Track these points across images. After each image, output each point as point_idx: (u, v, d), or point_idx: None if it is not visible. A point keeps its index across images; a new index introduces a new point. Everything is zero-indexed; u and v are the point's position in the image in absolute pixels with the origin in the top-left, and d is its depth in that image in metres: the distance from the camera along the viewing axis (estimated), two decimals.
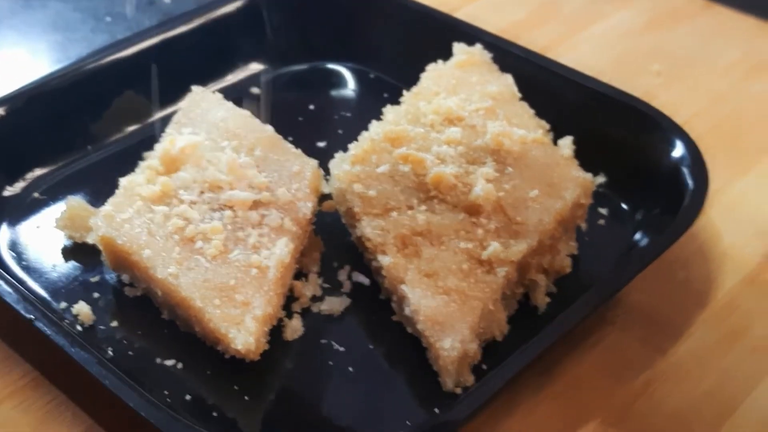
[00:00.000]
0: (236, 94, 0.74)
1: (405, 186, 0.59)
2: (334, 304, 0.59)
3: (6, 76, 0.83)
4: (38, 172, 0.67)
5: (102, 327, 0.57)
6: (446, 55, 0.70)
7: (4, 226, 0.63)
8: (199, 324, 0.54)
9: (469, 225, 0.57)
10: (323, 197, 0.63)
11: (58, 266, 0.61)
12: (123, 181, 0.60)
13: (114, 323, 0.57)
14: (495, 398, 0.52)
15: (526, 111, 0.65)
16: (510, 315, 0.58)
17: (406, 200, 0.58)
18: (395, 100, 0.67)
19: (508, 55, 0.72)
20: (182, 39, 0.76)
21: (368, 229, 0.57)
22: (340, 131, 0.73)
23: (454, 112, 0.63)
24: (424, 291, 0.54)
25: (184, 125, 0.64)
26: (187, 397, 0.53)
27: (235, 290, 0.54)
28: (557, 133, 0.64)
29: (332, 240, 0.63)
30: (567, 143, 0.63)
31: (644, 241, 0.61)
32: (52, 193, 0.66)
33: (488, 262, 0.55)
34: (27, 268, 0.61)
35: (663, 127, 0.66)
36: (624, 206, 0.66)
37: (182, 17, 0.77)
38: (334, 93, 0.78)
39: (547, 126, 0.65)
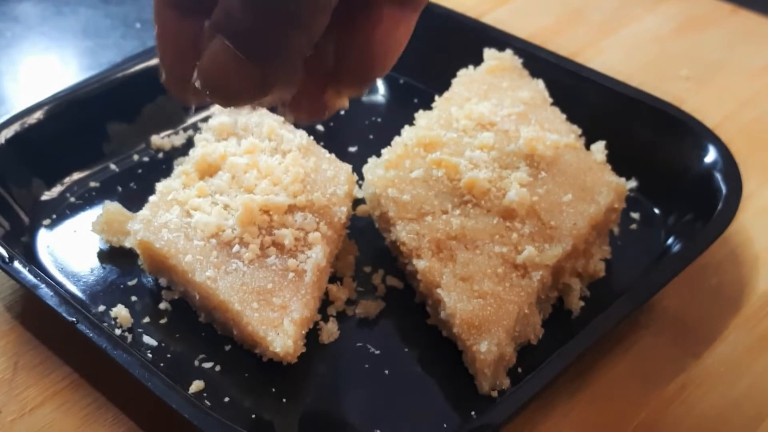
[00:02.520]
0: None
1: (439, 191, 0.59)
2: (368, 308, 0.59)
3: (37, 81, 0.84)
4: (75, 176, 0.68)
5: (140, 330, 0.58)
6: (474, 60, 0.71)
7: (42, 230, 0.64)
8: (237, 327, 0.55)
9: (503, 229, 0.57)
10: (356, 202, 0.64)
11: (95, 270, 0.62)
12: (159, 186, 0.61)
13: (152, 327, 0.58)
14: (532, 401, 0.52)
15: (557, 116, 0.65)
16: (544, 319, 0.58)
17: (441, 205, 0.59)
18: (425, 106, 0.67)
19: (538, 61, 0.72)
20: None
21: (403, 233, 0.58)
22: (371, 136, 0.73)
23: (486, 117, 0.64)
24: (459, 295, 0.54)
25: (219, 131, 0.64)
26: (226, 399, 0.54)
27: (273, 294, 0.54)
28: (589, 138, 0.65)
29: (366, 244, 0.63)
30: (599, 148, 0.63)
31: (677, 246, 0.62)
32: (88, 197, 0.67)
33: (523, 266, 0.56)
34: (64, 272, 0.61)
35: (695, 132, 0.66)
36: (656, 211, 0.66)
37: None
38: (364, 99, 0.78)
39: (579, 131, 0.65)
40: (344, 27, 0.39)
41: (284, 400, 0.54)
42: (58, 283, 0.60)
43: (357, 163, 0.64)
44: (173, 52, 0.41)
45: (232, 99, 0.40)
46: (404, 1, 0.41)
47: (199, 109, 0.71)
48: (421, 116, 0.66)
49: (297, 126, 0.65)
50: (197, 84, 0.39)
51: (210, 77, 0.39)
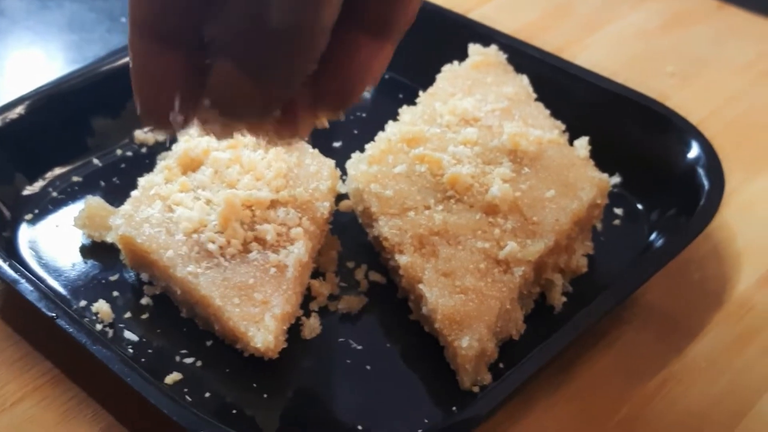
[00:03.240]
0: None
1: (422, 186, 0.59)
2: (351, 303, 0.59)
3: (22, 75, 0.84)
4: (57, 171, 0.68)
5: (121, 325, 0.57)
6: (461, 56, 0.70)
7: (24, 225, 0.64)
8: (218, 322, 0.55)
9: (486, 225, 0.57)
10: (339, 197, 0.64)
11: (77, 265, 0.61)
12: (141, 181, 0.60)
13: (133, 322, 0.58)
14: (512, 397, 0.52)
15: (541, 112, 0.65)
16: (526, 314, 0.58)
17: (423, 200, 0.59)
18: (410, 101, 0.67)
19: (523, 56, 0.72)
20: None
21: (385, 228, 0.58)
22: (355, 131, 0.73)
23: (470, 113, 0.63)
24: (441, 290, 0.54)
25: None
26: (207, 394, 0.54)
27: (254, 289, 0.54)
28: (572, 134, 0.65)
29: (349, 239, 0.63)
30: (582, 144, 0.63)
31: (660, 242, 0.62)
32: (70, 192, 0.67)
33: (505, 261, 0.56)
34: (46, 267, 0.61)
35: (678, 128, 0.66)
36: (639, 206, 0.66)
37: None
38: None
39: (563, 126, 0.65)
40: (323, 54, 0.40)
41: (266, 395, 0.54)
42: (40, 279, 0.60)
43: (341, 158, 0.64)
44: (150, 85, 0.41)
45: (240, 116, 0.41)
46: (382, 33, 0.42)
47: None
48: (405, 111, 0.66)
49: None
50: (207, 105, 0.40)
51: (220, 98, 0.40)
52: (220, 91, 0.39)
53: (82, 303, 0.58)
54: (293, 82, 0.39)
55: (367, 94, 0.78)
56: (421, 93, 0.67)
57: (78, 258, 0.62)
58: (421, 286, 0.55)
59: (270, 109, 0.40)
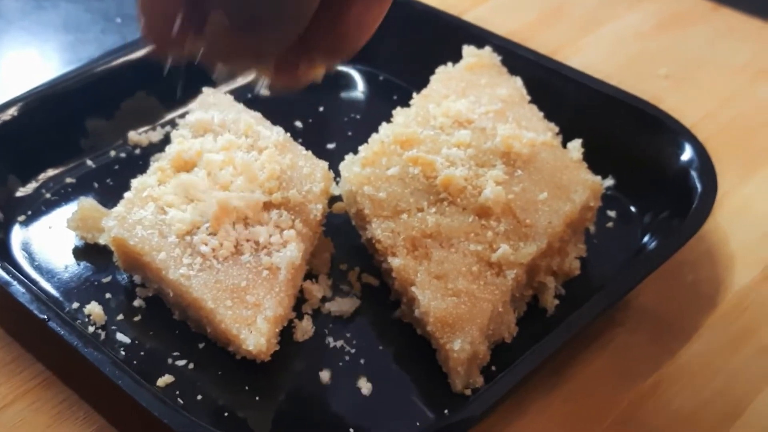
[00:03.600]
0: (247, 96, 0.75)
1: (415, 188, 0.59)
2: (344, 306, 0.59)
3: (17, 76, 0.84)
4: (50, 172, 0.68)
5: (114, 327, 0.57)
6: (456, 57, 0.70)
7: (17, 226, 0.64)
8: (210, 325, 0.55)
9: (478, 227, 0.57)
10: (333, 199, 0.64)
11: (69, 267, 0.61)
12: (135, 183, 0.60)
13: (126, 324, 0.58)
14: (504, 399, 0.52)
15: (535, 114, 0.65)
16: (519, 317, 0.58)
17: (416, 202, 0.58)
18: (405, 103, 0.67)
19: (517, 58, 0.72)
20: None
21: (378, 231, 0.58)
22: (349, 133, 0.73)
23: (463, 115, 0.63)
24: (433, 293, 0.54)
25: (195, 127, 0.64)
26: (199, 397, 0.54)
27: (247, 291, 0.54)
28: (566, 136, 0.65)
29: (342, 242, 0.63)
30: (576, 146, 0.63)
31: (653, 244, 0.62)
32: (63, 193, 0.67)
33: (498, 264, 0.56)
34: (39, 268, 0.61)
35: (671, 130, 0.66)
36: (632, 209, 0.66)
37: None
38: (343, 95, 0.78)
39: (556, 129, 0.65)
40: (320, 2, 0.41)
41: (258, 397, 0.54)
42: (32, 280, 0.60)
43: (335, 160, 0.64)
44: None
45: (232, 65, 0.45)
46: None
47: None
48: (398, 113, 0.66)
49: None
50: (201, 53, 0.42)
51: (213, 47, 0.42)
52: (213, 41, 0.41)
53: (75, 305, 0.58)
54: (283, 40, 0.41)
55: (361, 96, 0.78)
56: (414, 95, 0.67)
57: (71, 260, 0.62)
58: (413, 288, 0.55)
59: (261, 61, 0.43)
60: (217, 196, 0.57)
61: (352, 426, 0.53)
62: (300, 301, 0.59)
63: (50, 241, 0.63)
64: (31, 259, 0.62)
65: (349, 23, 0.43)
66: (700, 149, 0.64)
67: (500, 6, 0.92)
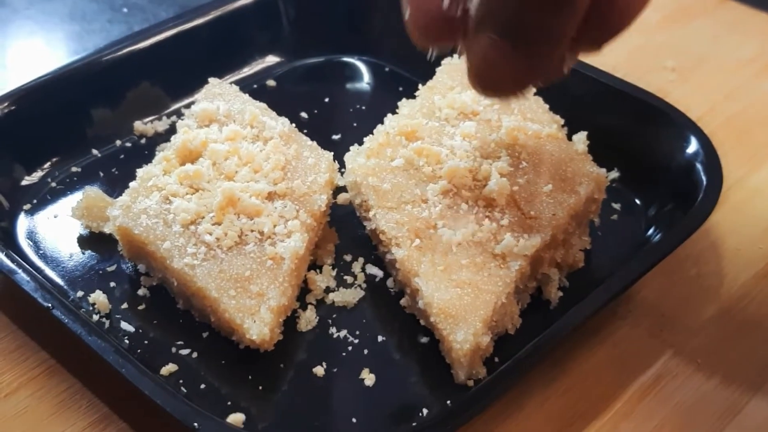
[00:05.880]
0: (252, 86, 0.75)
1: (419, 179, 0.59)
2: (347, 296, 0.59)
3: (23, 66, 0.84)
4: (55, 161, 0.68)
5: (118, 316, 0.58)
6: None
7: (22, 215, 0.64)
8: (214, 314, 0.55)
9: (483, 219, 0.57)
10: (338, 190, 0.64)
11: (74, 255, 0.62)
12: (140, 172, 0.60)
13: (130, 312, 0.58)
14: (507, 391, 0.52)
15: (540, 106, 0.65)
16: (522, 309, 0.58)
17: (421, 194, 0.58)
18: (410, 94, 0.67)
19: None
20: (199, 31, 0.76)
21: (382, 221, 0.58)
22: (354, 124, 0.73)
23: (468, 107, 0.63)
24: (437, 284, 0.54)
25: (201, 117, 0.64)
26: (202, 386, 0.54)
27: (251, 281, 0.54)
28: (571, 129, 0.65)
29: (346, 232, 0.63)
30: (581, 138, 0.63)
31: (657, 237, 0.62)
32: (69, 182, 0.67)
33: (501, 256, 0.56)
34: (44, 257, 0.61)
35: (677, 123, 0.66)
36: (637, 201, 0.66)
37: (199, 9, 0.77)
38: (349, 86, 0.78)
39: (562, 121, 0.65)
40: None
41: (261, 387, 0.54)
42: (37, 269, 0.60)
43: (340, 151, 0.64)
44: None
45: (504, 92, 0.43)
46: None
47: (182, 96, 0.71)
48: (404, 105, 0.66)
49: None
50: (471, 85, 0.42)
51: (482, 76, 0.41)
52: (481, 69, 0.41)
53: (79, 293, 0.59)
54: (556, 49, 0.40)
55: (367, 87, 0.78)
56: (420, 86, 0.67)
57: (75, 248, 0.62)
58: (417, 279, 0.55)
59: (532, 79, 0.42)
60: (221, 186, 0.57)
61: (355, 416, 0.53)
62: (304, 291, 0.59)
63: (55, 230, 0.63)
64: (36, 247, 0.62)
65: (620, 6, 0.42)
66: (705, 142, 0.64)
67: None
